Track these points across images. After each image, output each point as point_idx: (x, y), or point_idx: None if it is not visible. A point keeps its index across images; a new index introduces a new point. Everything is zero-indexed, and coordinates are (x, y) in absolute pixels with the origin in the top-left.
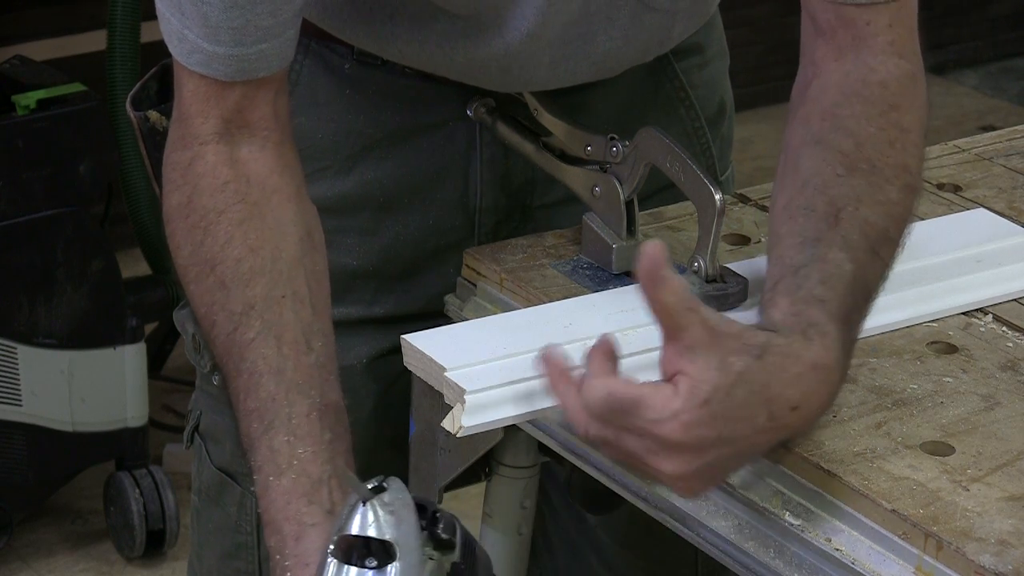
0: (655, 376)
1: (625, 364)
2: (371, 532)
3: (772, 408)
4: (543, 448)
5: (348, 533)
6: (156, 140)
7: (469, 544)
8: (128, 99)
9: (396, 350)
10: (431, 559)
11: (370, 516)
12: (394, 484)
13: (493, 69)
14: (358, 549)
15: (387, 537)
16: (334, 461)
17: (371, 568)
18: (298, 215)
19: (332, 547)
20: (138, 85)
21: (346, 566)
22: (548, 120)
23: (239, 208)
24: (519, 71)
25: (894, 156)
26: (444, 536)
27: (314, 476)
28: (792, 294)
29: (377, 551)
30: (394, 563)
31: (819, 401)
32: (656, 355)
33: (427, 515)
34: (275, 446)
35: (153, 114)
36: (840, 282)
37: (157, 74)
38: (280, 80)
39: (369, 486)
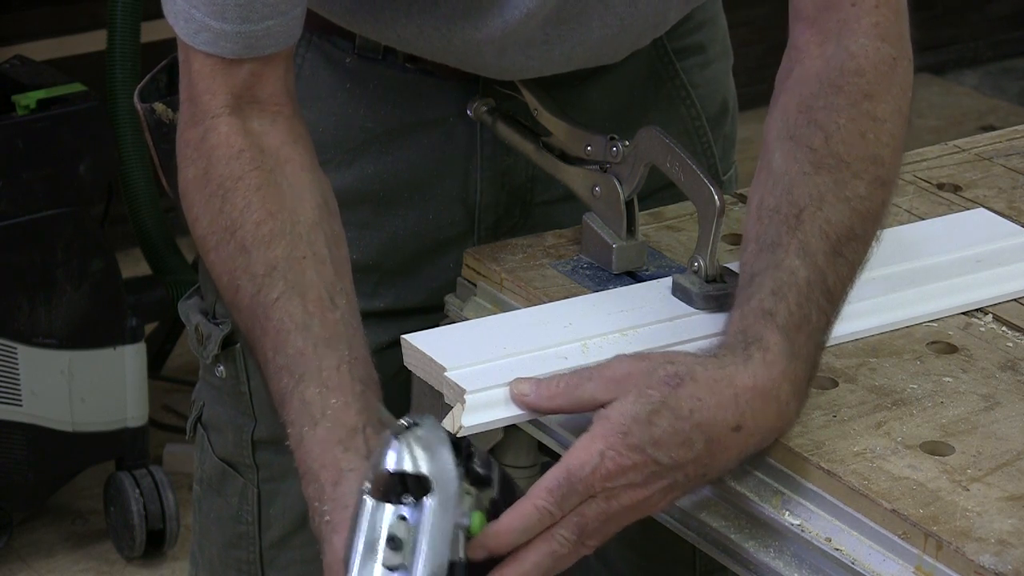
0: None
1: None
2: (406, 467)
3: (709, 432)
4: (543, 448)
5: (383, 470)
6: (162, 132)
7: (507, 482)
8: (136, 91)
9: (396, 344)
10: (468, 494)
11: (404, 451)
12: (427, 420)
13: (488, 52)
14: (394, 486)
15: (422, 471)
16: (368, 411)
17: (407, 504)
18: (313, 183)
19: (368, 485)
20: (147, 77)
21: (383, 504)
22: (548, 120)
23: (255, 174)
24: (514, 52)
25: (865, 148)
26: (481, 471)
27: (348, 424)
28: (743, 305)
29: (413, 487)
30: (431, 495)
31: (766, 417)
32: None
33: (463, 451)
34: (307, 398)
35: (159, 106)
36: (792, 291)
37: (166, 67)
38: (288, 57)
39: (403, 423)
